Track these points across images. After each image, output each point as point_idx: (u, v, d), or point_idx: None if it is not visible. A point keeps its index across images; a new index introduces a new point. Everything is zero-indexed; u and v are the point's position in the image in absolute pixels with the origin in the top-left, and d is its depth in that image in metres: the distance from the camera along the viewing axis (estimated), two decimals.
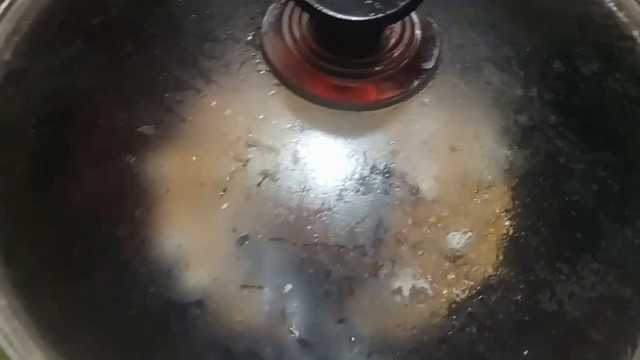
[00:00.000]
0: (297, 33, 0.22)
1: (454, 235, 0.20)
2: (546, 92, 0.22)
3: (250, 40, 0.22)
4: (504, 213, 0.21)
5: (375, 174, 0.21)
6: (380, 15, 0.18)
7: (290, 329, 0.19)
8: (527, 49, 0.23)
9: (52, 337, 0.20)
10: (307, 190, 0.20)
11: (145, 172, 0.21)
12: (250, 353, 0.19)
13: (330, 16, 0.18)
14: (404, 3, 0.18)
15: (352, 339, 0.19)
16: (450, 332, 0.19)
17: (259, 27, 0.22)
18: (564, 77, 0.23)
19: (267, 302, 0.19)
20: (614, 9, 0.26)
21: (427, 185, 0.21)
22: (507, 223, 0.21)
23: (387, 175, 0.21)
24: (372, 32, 0.21)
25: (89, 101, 0.22)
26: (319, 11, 0.18)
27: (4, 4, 0.25)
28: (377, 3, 0.18)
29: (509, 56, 0.23)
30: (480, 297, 0.20)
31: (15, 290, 0.21)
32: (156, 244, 0.20)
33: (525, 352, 0.19)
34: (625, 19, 0.26)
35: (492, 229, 0.20)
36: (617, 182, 0.22)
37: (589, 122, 0.23)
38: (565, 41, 0.24)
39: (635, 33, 0.25)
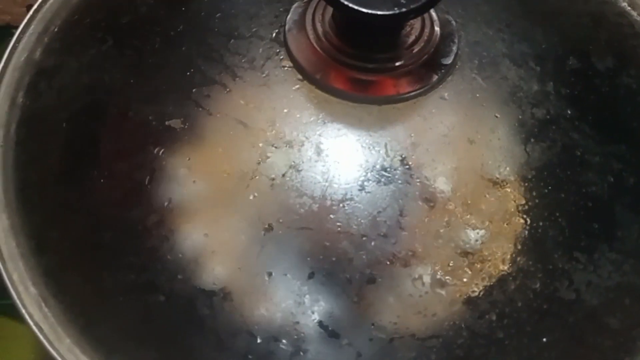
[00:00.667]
0: (320, 30, 0.22)
1: (473, 226, 0.21)
2: (562, 87, 0.23)
3: (275, 37, 0.23)
4: (522, 204, 0.21)
5: (396, 165, 0.21)
6: (404, 9, 0.18)
7: (313, 315, 0.20)
8: (543, 46, 0.24)
9: (81, 323, 0.21)
10: (330, 180, 0.21)
11: (173, 164, 0.22)
12: (273, 339, 0.20)
13: (356, 10, 0.18)
14: None
15: (374, 325, 0.20)
16: (470, 319, 0.20)
17: (283, 25, 0.23)
18: (579, 72, 0.24)
19: (291, 289, 0.20)
20: (627, 8, 0.26)
21: (446, 177, 0.21)
22: (525, 214, 0.21)
23: (407, 166, 0.21)
24: (394, 27, 0.21)
25: (119, 96, 0.23)
26: (345, 5, 0.18)
27: (35, 5, 0.26)
28: None
29: (525, 52, 0.23)
30: (499, 285, 0.20)
31: (45, 278, 0.22)
32: (184, 232, 0.21)
33: (544, 339, 0.20)
34: (638, 18, 0.26)
35: (510, 220, 0.21)
36: (633, 175, 0.22)
37: (604, 116, 0.23)
38: (579, 38, 0.25)
39: None
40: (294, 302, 0.20)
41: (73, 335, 0.21)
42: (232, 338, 0.20)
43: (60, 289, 0.21)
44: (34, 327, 0.21)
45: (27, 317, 0.21)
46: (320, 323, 0.20)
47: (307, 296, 0.20)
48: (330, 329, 0.20)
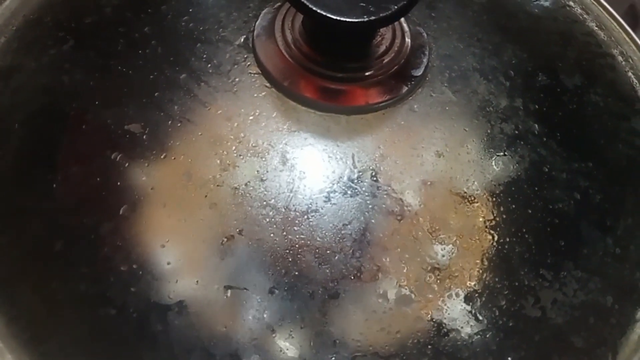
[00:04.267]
0: (289, 37, 0.22)
1: (439, 241, 0.20)
2: (531, 103, 0.23)
3: (243, 42, 0.23)
4: (490, 220, 0.21)
5: (363, 177, 0.21)
6: (372, 17, 0.18)
7: (273, 332, 0.19)
8: (513, 61, 0.24)
9: (25, 337, 0.20)
10: (295, 191, 0.20)
11: (131, 170, 0.21)
12: (231, 355, 0.19)
13: (325, 17, 0.18)
14: (395, 7, 0.18)
15: (336, 341, 0.19)
16: (434, 337, 0.19)
17: (252, 31, 0.23)
18: (547, 89, 0.24)
19: (250, 304, 0.19)
20: (595, 28, 0.27)
21: (414, 190, 0.21)
22: (493, 229, 0.21)
23: (374, 178, 0.21)
24: (364, 35, 0.21)
25: (77, 98, 0.22)
26: (314, 12, 0.18)
27: None
28: (370, 6, 0.18)
29: (495, 67, 0.23)
30: (465, 302, 0.20)
31: None
32: (139, 242, 0.20)
33: (509, 358, 0.19)
34: (605, 38, 0.27)
35: (477, 235, 0.21)
36: (599, 192, 0.22)
37: (572, 133, 0.23)
38: (548, 56, 0.25)
39: (615, 51, 0.26)
40: (253, 318, 0.19)
41: (16, 349, 0.19)
42: (187, 355, 0.19)
43: (5, 300, 0.20)
44: None
45: None
46: (280, 340, 0.19)
47: (268, 312, 0.19)
48: (290, 346, 0.19)
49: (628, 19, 0.27)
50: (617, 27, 0.27)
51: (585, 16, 0.27)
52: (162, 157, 0.21)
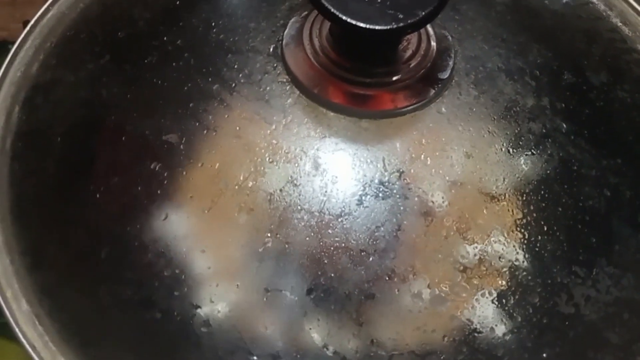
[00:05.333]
0: (317, 44, 0.22)
1: (471, 241, 0.21)
2: (558, 102, 0.23)
3: (272, 51, 0.23)
4: (520, 218, 0.21)
5: (394, 179, 0.21)
6: (401, 24, 0.19)
7: (312, 332, 0.20)
8: (538, 61, 0.24)
9: (76, 341, 0.21)
10: (328, 195, 0.21)
11: (170, 179, 0.21)
12: (272, 356, 0.19)
13: (354, 25, 0.19)
14: (423, 13, 0.19)
15: (373, 341, 0.19)
16: (469, 335, 0.20)
17: (280, 39, 0.23)
18: (574, 87, 0.24)
19: (289, 305, 0.20)
20: (619, 24, 0.27)
21: (443, 191, 0.21)
22: (523, 228, 0.21)
23: (405, 181, 0.21)
24: (392, 41, 0.21)
25: (115, 110, 0.23)
26: (344, 20, 0.19)
27: (32, 20, 0.26)
28: (399, 13, 0.19)
29: (521, 67, 0.24)
30: (498, 300, 0.20)
31: (39, 296, 0.21)
32: (181, 248, 0.21)
33: (544, 355, 0.20)
34: (630, 34, 0.27)
35: (508, 234, 0.21)
36: (629, 189, 0.22)
37: (600, 130, 0.23)
38: (573, 53, 0.25)
39: None
40: (292, 319, 0.20)
41: (67, 353, 0.20)
42: (230, 356, 0.20)
43: (55, 307, 0.21)
44: (27, 346, 0.20)
45: (20, 335, 0.20)
46: (318, 340, 0.19)
47: (306, 312, 0.20)
48: (329, 346, 0.19)
49: None
50: None
51: (609, 12, 0.27)
52: (199, 165, 0.22)
